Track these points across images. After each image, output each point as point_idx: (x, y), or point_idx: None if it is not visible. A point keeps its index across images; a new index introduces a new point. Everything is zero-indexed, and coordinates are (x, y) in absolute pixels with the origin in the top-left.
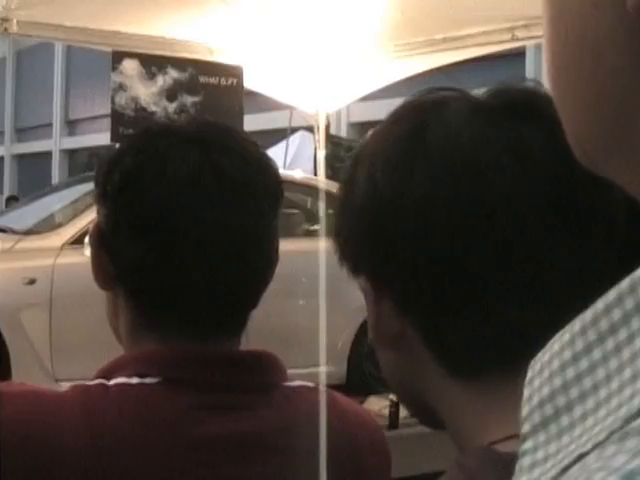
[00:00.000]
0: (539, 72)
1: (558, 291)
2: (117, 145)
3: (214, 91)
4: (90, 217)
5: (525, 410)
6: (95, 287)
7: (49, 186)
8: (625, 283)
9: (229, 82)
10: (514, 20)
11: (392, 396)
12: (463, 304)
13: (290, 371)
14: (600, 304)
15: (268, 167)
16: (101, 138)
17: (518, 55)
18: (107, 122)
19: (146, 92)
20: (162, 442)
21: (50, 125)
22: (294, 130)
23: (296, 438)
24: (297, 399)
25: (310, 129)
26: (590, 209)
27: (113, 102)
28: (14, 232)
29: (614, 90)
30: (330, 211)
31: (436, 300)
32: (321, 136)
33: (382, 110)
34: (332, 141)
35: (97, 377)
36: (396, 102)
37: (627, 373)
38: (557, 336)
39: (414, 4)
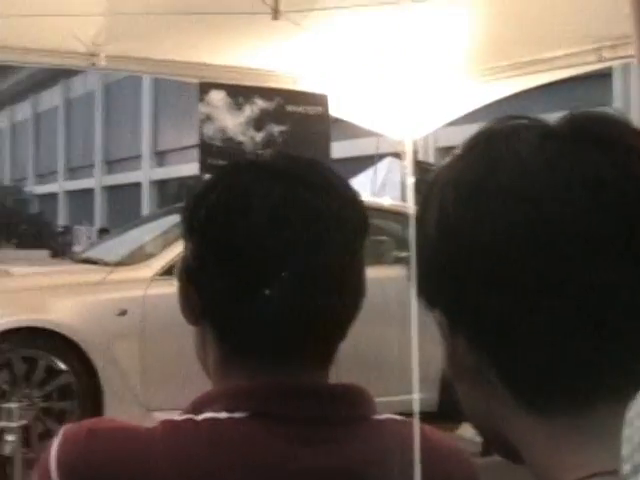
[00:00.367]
0: (627, 93)
1: (629, 327)
2: (206, 176)
3: (301, 120)
4: (180, 248)
5: (627, 450)
6: None
7: (139, 217)
8: None
9: (315, 111)
10: (600, 41)
11: None
12: (536, 339)
13: (382, 399)
14: None
15: (354, 200)
16: (190, 168)
17: (604, 76)
18: (196, 152)
19: (233, 122)
20: (256, 477)
21: (139, 157)
22: (382, 157)
23: (386, 472)
24: (386, 432)
25: (398, 155)
26: None
27: (201, 133)
28: (105, 264)
29: None
30: None
31: (509, 335)
32: (409, 163)
33: (470, 134)
34: (420, 167)
35: (186, 412)
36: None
37: None
38: None
39: (500, 28)
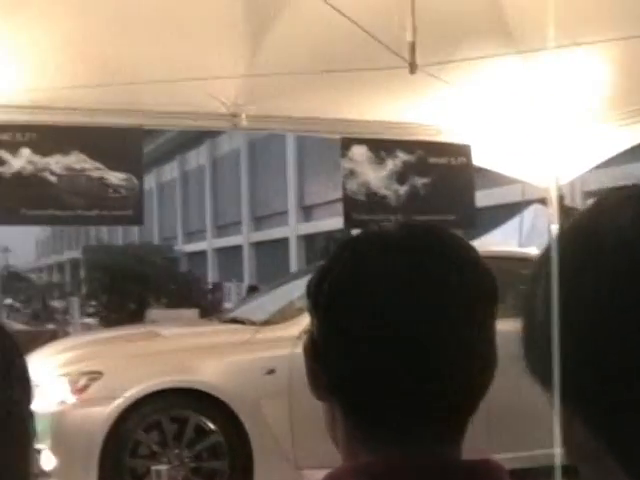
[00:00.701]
0: None
1: None
2: (352, 231)
3: (444, 171)
4: None
5: None
6: None
7: (287, 274)
8: None
9: (458, 161)
10: None
11: None
12: None
13: (518, 454)
14: None
15: (483, 271)
16: (336, 222)
17: None
18: (341, 206)
19: (376, 176)
20: None
21: (285, 212)
22: (527, 203)
23: None
24: None
25: (544, 202)
26: None
27: (344, 188)
28: (252, 323)
29: None
30: None
31: (630, 419)
32: (554, 209)
33: (617, 176)
34: (567, 213)
35: None
36: (630, 168)
37: None
38: None
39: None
